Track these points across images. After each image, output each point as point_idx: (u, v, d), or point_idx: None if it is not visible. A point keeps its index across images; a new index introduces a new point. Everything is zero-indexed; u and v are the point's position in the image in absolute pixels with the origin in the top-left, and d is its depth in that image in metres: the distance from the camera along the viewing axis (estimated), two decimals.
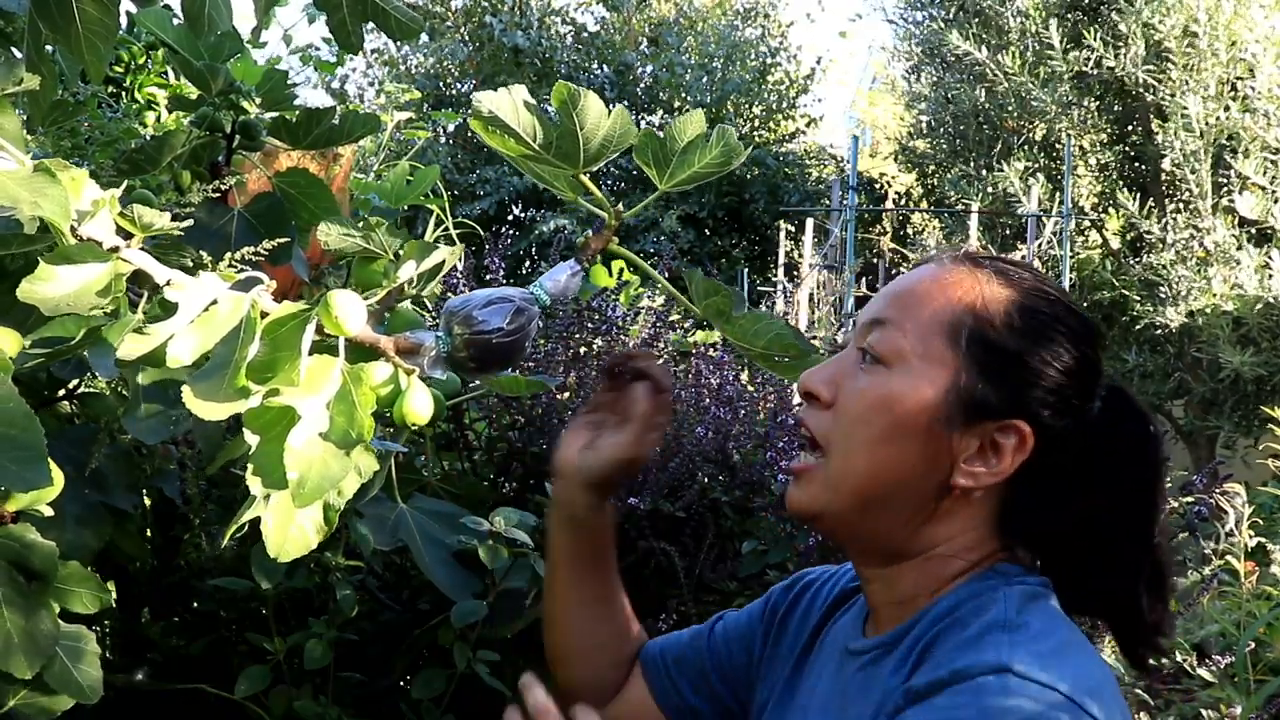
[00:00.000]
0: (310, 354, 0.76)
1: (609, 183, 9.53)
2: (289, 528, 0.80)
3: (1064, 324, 0.83)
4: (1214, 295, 4.86)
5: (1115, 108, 6.00)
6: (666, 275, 1.97)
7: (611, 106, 0.87)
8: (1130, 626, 0.85)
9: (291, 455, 0.72)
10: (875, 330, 0.83)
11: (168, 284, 0.75)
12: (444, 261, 0.89)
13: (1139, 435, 0.85)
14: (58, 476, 0.82)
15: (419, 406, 0.84)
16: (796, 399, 1.95)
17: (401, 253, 0.89)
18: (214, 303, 0.75)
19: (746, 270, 8.78)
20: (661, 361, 0.99)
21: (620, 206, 0.93)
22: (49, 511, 0.89)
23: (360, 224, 0.91)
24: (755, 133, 10.54)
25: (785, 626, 0.98)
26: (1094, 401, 0.84)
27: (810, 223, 8.06)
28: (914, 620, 0.81)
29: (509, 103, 0.85)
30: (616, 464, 0.96)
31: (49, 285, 0.72)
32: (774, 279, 8.66)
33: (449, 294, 1.67)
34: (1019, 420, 0.80)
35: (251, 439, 0.74)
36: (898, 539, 0.83)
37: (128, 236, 0.78)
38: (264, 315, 0.75)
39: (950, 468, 0.81)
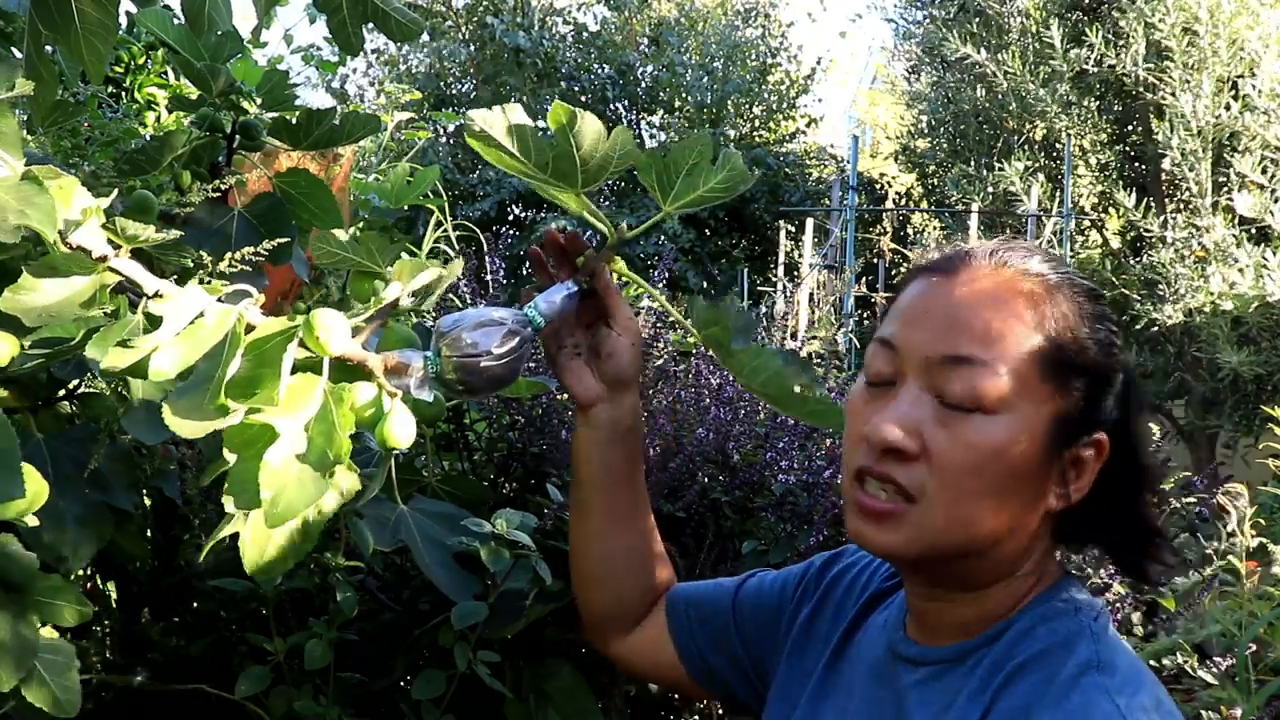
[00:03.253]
0: (295, 372, 0.74)
1: (610, 182, 9.53)
2: (266, 545, 0.79)
3: (1112, 321, 0.82)
4: (1212, 294, 4.86)
5: (1115, 107, 6.00)
6: (667, 277, 1.97)
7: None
8: (1133, 550, 0.86)
9: (267, 474, 0.70)
10: (960, 369, 0.77)
11: (156, 295, 0.74)
12: (440, 278, 0.88)
13: (1136, 409, 0.85)
14: (43, 486, 0.81)
15: (399, 432, 0.82)
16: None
17: (393, 271, 0.88)
18: (200, 315, 0.74)
19: (746, 270, 8.78)
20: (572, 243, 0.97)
21: (624, 225, 0.92)
22: (34, 521, 0.88)
23: (355, 231, 0.90)
24: (755, 133, 10.54)
25: (820, 612, 0.96)
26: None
27: (810, 223, 8.06)
28: (982, 640, 0.80)
29: (501, 123, 0.83)
30: (628, 352, 0.98)
31: (33, 296, 0.71)
32: (774, 279, 8.65)
33: (449, 294, 1.67)
34: (1099, 433, 0.80)
35: (230, 456, 0.73)
36: (990, 573, 0.81)
37: (118, 245, 0.77)
38: (250, 329, 0.74)
39: (1048, 495, 0.80)
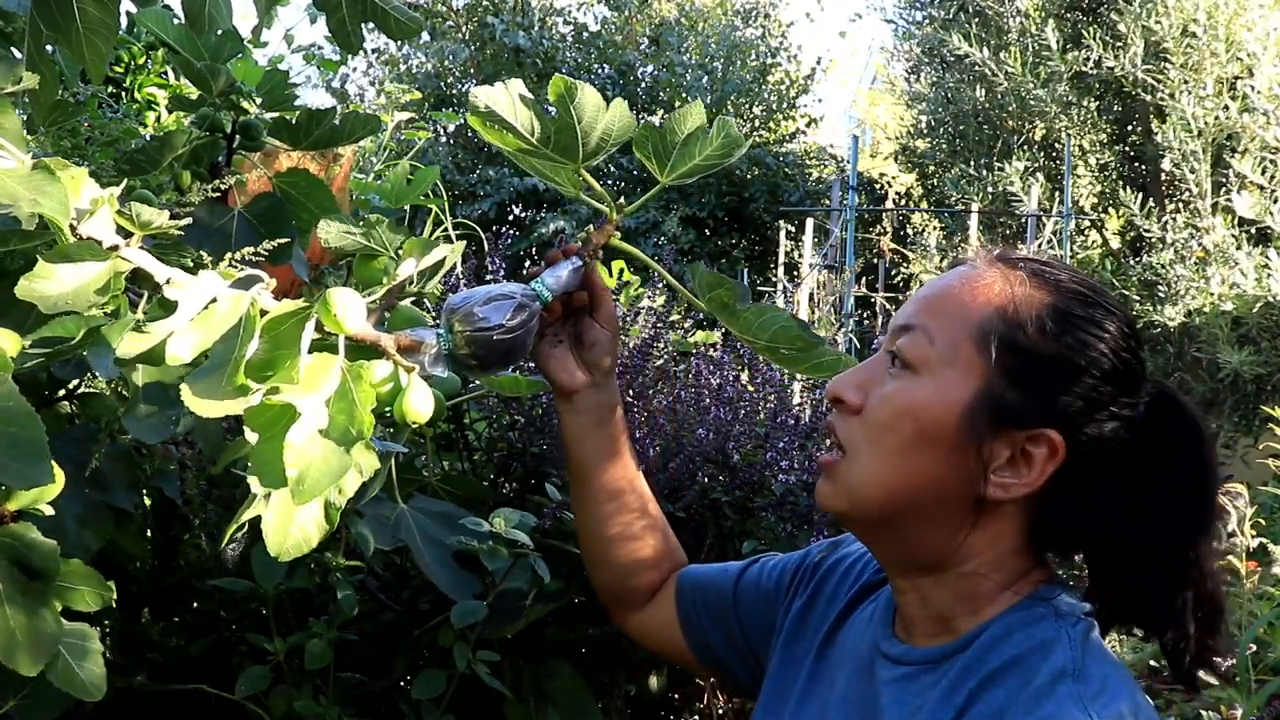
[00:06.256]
0: (310, 352, 0.75)
1: (610, 183, 9.52)
2: (289, 527, 0.80)
3: (1101, 326, 0.79)
4: (1212, 295, 4.86)
5: (1115, 108, 6.00)
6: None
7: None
8: (1175, 642, 0.81)
9: (291, 452, 0.72)
10: (904, 335, 0.82)
11: (168, 282, 0.75)
12: (445, 259, 0.89)
13: (1185, 440, 0.81)
14: (59, 475, 0.82)
15: (419, 404, 0.84)
16: (796, 399, 1.94)
17: (402, 250, 0.89)
18: (213, 301, 0.74)
19: (747, 270, 8.78)
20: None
21: (621, 200, 0.93)
22: (50, 510, 0.89)
23: (361, 222, 0.91)
24: (755, 133, 10.52)
25: (814, 601, 0.98)
26: (1137, 405, 0.80)
27: (810, 222, 8.06)
28: (959, 644, 0.80)
29: (505, 97, 0.84)
30: (609, 342, 1.03)
31: (48, 283, 0.72)
32: (774, 279, 8.65)
33: (449, 294, 1.67)
34: (1051, 429, 0.77)
35: (251, 437, 0.73)
36: (928, 550, 0.81)
37: (127, 235, 0.78)
38: (263, 313, 0.75)
39: (980, 478, 0.78)
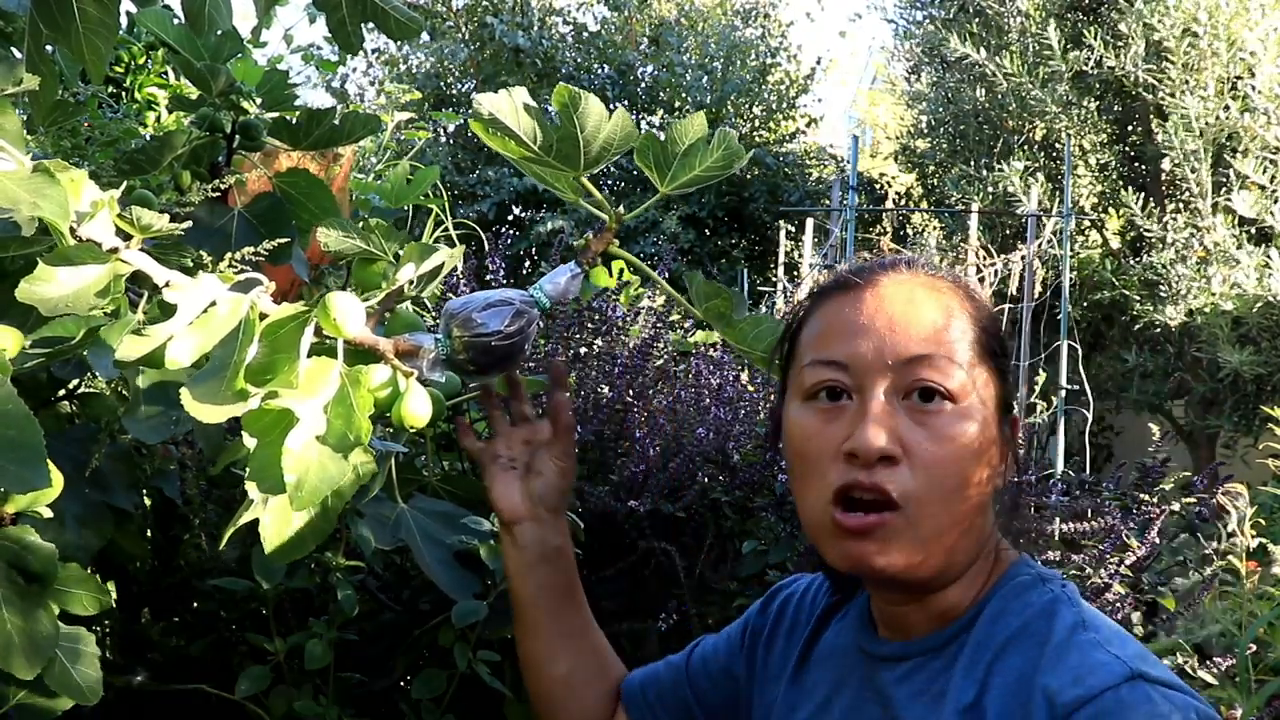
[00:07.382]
0: (309, 356, 0.75)
1: (610, 182, 9.52)
2: (286, 530, 0.80)
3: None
4: (1213, 295, 4.86)
5: (1115, 108, 6.00)
6: (667, 277, 1.98)
7: (613, 107, 0.87)
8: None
9: (289, 458, 0.72)
10: (922, 368, 0.78)
11: (167, 285, 0.75)
12: (443, 264, 0.89)
13: None
14: (57, 478, 0.82)
15: (417, 409, 0.84)
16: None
17: (401, 254, 0.89)
18: (213, 304, 0.74)
19: (746, 270, 8.78)
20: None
21: (621, 209, 0.93)
22: (48, 513, 0.89)
23: (360, 225, 0.91)
24: (755, 133, 10.52)
25: (771, 646, 0.97)
26: None
27: (810, 222, 8.05)
28: (960, 625, 0.81)
29: (509, 105, 0.85)
30: (557, 479, 0.99)
31: (48, 286, 0.72)
32: (774, 278, 8.64)
33: (449, 294, 1.67)
34: (1013, 410, 0.84)
35: (249, 441, 0.73)
36: (962, 565, 0.82)
37: (127, 238, 0.78)
38: (263, 317, 0.75)
39: (997, 477, 0.83)
